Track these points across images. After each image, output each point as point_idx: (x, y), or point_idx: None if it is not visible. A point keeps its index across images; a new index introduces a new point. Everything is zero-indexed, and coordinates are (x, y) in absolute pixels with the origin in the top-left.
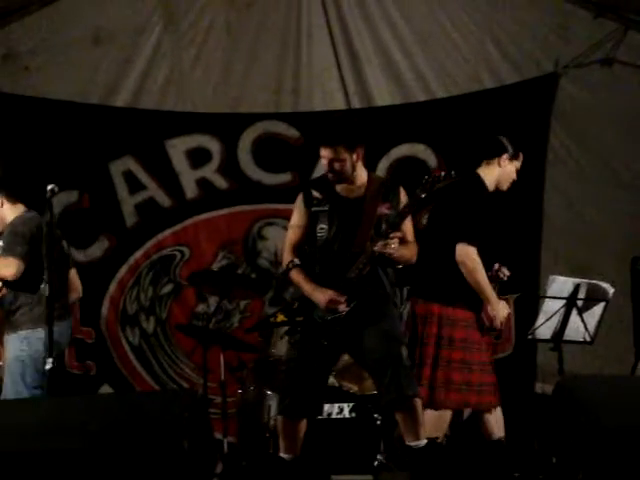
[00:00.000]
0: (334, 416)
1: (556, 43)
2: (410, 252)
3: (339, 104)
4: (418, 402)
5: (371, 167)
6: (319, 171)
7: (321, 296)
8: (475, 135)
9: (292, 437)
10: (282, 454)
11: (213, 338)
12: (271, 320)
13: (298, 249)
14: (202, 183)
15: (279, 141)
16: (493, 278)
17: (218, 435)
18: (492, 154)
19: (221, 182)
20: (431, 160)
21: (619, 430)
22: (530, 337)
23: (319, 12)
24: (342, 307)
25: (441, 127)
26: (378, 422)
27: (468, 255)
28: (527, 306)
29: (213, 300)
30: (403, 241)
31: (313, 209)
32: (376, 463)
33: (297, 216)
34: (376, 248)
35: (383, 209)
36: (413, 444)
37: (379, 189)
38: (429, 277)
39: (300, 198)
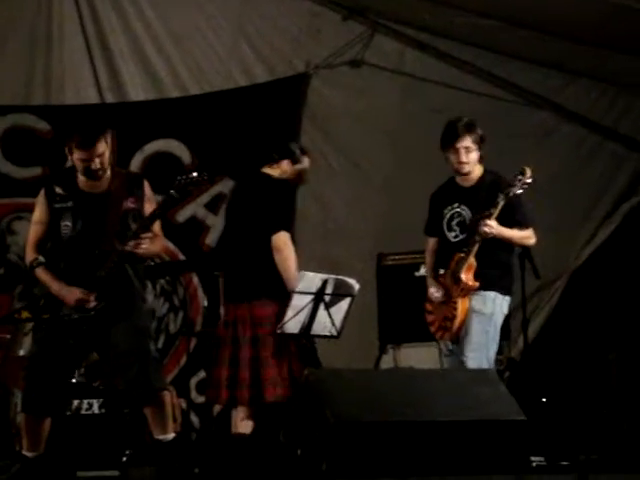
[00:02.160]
0: (83, 412)
1: (307, 43)
2: (158, 246)
3: (92, 98)
4: (166, 395)
5: (125, 162)
6: (70, 164)
7: (69, 294)
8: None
9: (35, 434)
10: (25, 452)
11: None
12: (15, 316)
13: (41, 246)
14: None
15: (29, 134)
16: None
17: None
18: (276, 159)
19: None
20: (185, 156)
21: (359, 423)
22: (279, 332)
23: (71, 4)
24: (91, 305)
25: (195, 124)
26: (127, 417)
27: (286, 242)
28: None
29: None
30: (152, 237)
31: (56, 205)
32: (124, 459)
33: (39, 212)
34: (128, 248)
35: (128, 203)
36: (161, 437)
37: (124, 183)
38: (244, 279)
39: (42, 194)
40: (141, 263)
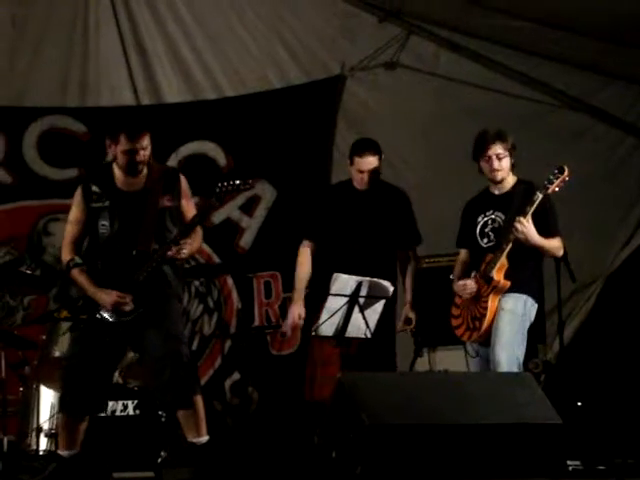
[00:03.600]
0: (118, 413)
1: (343, 45)
2: (197, 244)
3: (128, 99)
4: (198, 399)
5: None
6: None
7: (106, 297)
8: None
9: (72, 434)
10: (61, 451)
11: None
12: (55, 315)
13: (78, 246)
14: None
15: (65, 136)
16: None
17: None
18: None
19: (5, 177)
20: (220, 158)
21: (394, 426)
22: (314, 334)
23: (107, 6)
24: (128, 307)
25: (230, 125)
26: (163, 419)
27: (299, 250)
28: (311, 303)
29: None
30: (192, 242)
31: (93, 205)
32: (159, 460)
33: (76, 211)
34: (170, 253)
35: (165, 201)
36: (195, 440)
37: (160, 180)
38: None
39: (79, 193)
40: (180, 262)
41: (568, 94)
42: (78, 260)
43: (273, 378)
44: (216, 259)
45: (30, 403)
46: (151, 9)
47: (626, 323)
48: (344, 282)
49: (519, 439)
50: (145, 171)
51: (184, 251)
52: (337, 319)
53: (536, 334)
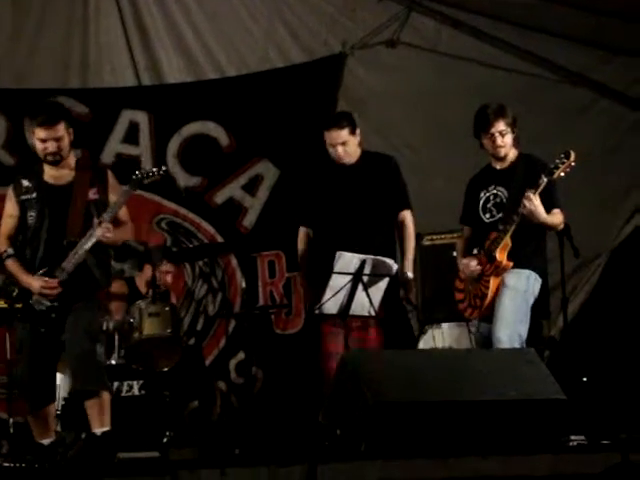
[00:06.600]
0: (124, 394)
1: (343, 24)
2: (126, 233)
3: (129, 80)
4: (104, 394)
5: (162, 145)
6: (109, 147)
7: (33, 283)
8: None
9: (41, 423)
10: (39, 440)
11: None
12: None
13: (12, 238)
14: None
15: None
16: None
17: (3, 415)
18: None
19: (7, 158)
20: (222, 138)
21: (398, 403)
22: (317, 312)
23: None
24: (55, 292)
25: (232, 105)
26: (167, 399)
27: (298, 235)
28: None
29: None
30: (118, 223)
31: (22, 197)
32: (165, 440)
33: (9, 206)
34: (97, 233)
35: (91, 195)
36: (96, 431)
37: (87, 175)
38: None
39: (10, 188)
40: (105, 253)
41: (570, 69)
42: (10, 251)
43: (278, 357)
44: (219, 239)
45: None
46: None
47: (630, 298)
48: (348, 260)
49: (523, 415)
50: (72, 166)
51: (108, 234)
52: (341, 297)
53: (540, 310)
